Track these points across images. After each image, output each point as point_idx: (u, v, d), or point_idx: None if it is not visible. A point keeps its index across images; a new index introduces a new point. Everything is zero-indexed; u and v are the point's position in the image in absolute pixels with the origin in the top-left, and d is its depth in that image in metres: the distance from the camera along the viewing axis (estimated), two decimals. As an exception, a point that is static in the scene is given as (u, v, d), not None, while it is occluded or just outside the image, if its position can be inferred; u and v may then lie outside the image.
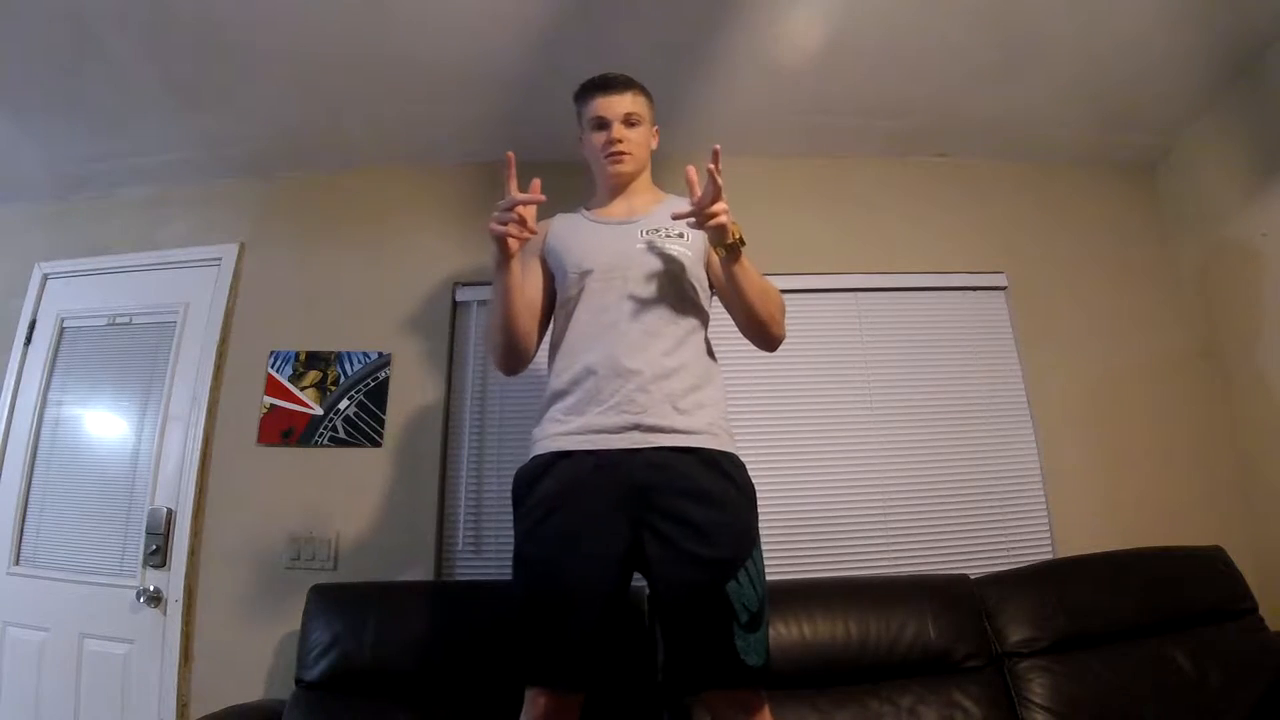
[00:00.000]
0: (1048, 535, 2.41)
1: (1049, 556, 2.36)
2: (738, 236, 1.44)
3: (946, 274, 2.66)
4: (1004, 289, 2.66)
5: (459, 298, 2.60)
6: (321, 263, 2.65)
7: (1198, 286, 2.63)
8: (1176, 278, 2.70)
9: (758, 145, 2.66)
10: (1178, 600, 2.06)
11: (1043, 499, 2.44)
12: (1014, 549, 2.38)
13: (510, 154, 1.50)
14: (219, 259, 2.66)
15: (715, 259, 1.60)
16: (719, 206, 1.39)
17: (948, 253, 2.68)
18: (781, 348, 1.66)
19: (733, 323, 1.64)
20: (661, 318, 1.54)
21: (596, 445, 1.44)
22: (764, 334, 1.60)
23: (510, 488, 1.55)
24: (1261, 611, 2.09)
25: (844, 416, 2.50)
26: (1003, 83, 2.39)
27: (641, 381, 1.47)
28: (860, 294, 2.63)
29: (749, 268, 1.51)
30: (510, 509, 1.54)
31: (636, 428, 1.44)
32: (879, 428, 2.49)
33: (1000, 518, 2.42)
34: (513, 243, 1.47)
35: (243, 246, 2.68)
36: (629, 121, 1.67)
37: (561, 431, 1.49)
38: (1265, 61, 2.27)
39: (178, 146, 2.60)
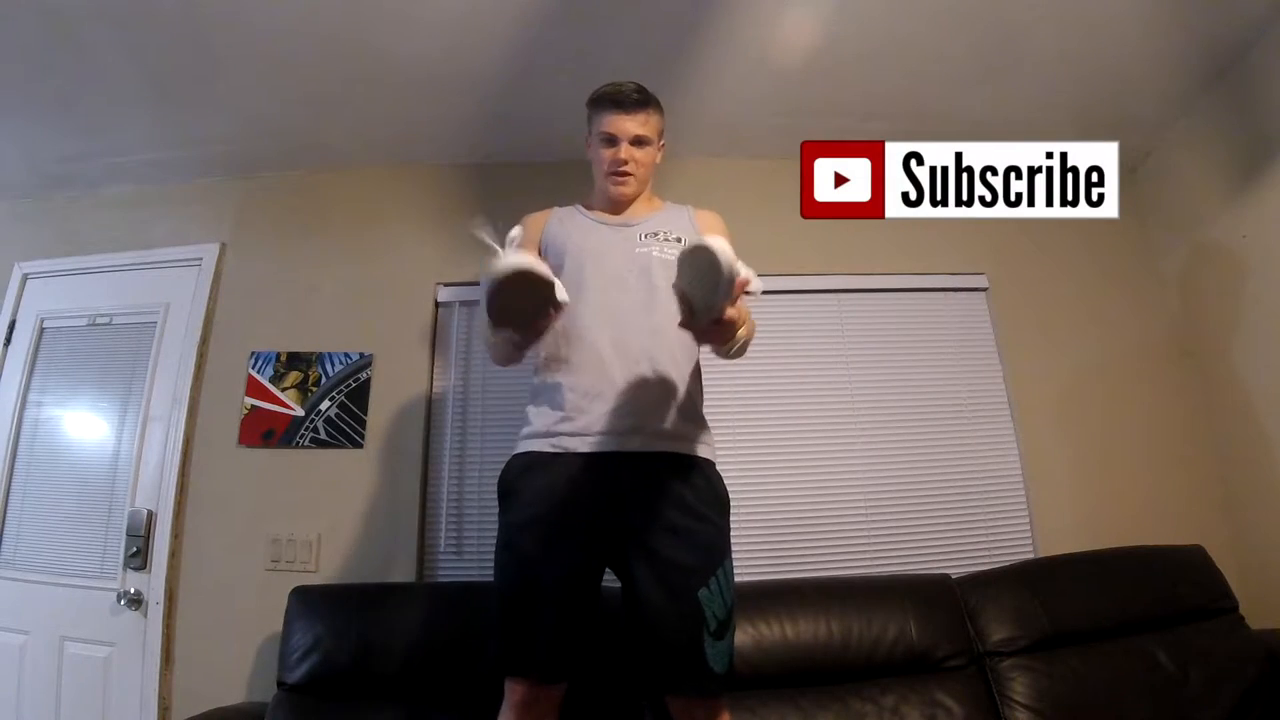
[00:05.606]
0: (1029, 535, 2.42)
1: (1030, 556, 2.37)
2: (741, 336, 1.34)
3: (928, 275, 2.66)
4: (985, 290, 2.67)
5: (441, 298, 2.59)
6: (303, 263, 2.63)
7: (1178, 287, 2.64)
8: (1157, 279, 2.71)
9: (740, 147, 2.67)
10: (1158, 599, 2.07)
11: (1024, 499, 2.45)
12: (995, 549, 2.39)
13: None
14: (199, 259, 2.64)
15: None
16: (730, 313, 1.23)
17: (929, 254, 2.68)
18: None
19: None
20: (655, 321, 1.52)
21: (583, 447, 1.44)
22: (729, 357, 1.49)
23: (494, 486, 1.54)
24: (1241, 610, 2.11)
25: (826, 418, 2.50)
26: (984, 85, 2.39)
27: (631, 384, 1.46)
28: (842, 295, 2.64)
29: (742, 335, 1.38)
30: (494, 507, 1.53)
31: (625, 431, 1.44)
32: (861, 429, 2.49)
33: (981, 518, 2.43)
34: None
35: (223, 246, 2.67)
36: (638, 142, 1.64)
37: (548, 430, 1.48)
38: (1244, 65, 2.28)
39: (158, 146, 2.58)
